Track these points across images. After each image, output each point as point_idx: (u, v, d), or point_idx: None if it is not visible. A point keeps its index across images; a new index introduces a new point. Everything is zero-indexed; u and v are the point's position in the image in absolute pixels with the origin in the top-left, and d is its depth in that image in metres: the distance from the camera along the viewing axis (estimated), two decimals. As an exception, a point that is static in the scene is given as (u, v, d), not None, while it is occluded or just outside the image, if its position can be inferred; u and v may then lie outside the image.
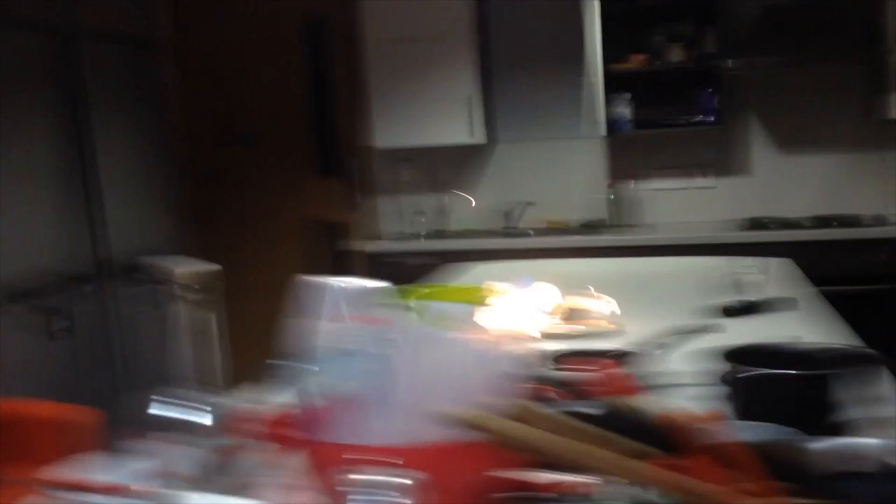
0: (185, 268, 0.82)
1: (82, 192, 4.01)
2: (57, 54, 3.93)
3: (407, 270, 3.98)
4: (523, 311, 2.22)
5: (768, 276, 2.40)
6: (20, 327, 3.62)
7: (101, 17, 4.17)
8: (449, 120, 4.90)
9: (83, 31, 4.02)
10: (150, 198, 4.46)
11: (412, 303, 1.08)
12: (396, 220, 5.32)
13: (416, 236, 5.14)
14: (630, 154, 5.04)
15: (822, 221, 4.60)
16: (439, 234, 5.16)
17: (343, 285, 1.07)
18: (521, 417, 0.80)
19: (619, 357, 1.59)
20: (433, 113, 4.91)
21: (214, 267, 0.81)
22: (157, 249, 4.34)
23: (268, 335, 4.94)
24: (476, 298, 2.06)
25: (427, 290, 2.31)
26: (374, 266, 4.88)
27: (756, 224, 4.69)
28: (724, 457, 0.77)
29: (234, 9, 5.35)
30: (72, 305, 3.87)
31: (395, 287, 1.11)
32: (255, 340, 5.29)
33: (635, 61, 4.76)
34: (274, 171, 5.41)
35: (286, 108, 5.37)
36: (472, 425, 0.77)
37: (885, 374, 1.47)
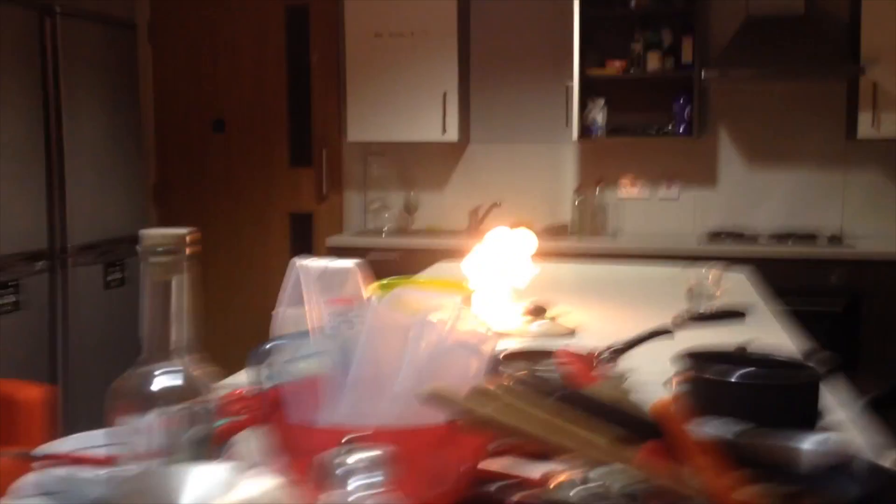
0: (152, 232, 0.83)
1: (46, 169, 3.97)
2: (32, 30, 3.89)
3: (369, 266, 3.95)
4: (497, 297, 2.28)
5: (726, 286, 2.45)
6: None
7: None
8: (423, 117, 4.91)
9: (59, 7, 3.98)
10: (117, 178, 4.42)
11: (387, 289, 1.09)
12: (362, 214, 5.32)
13: (380, 232, 5.14)
14: (601, 160, 5.07)
15: (782, 238, 4.67)
16: (403, 231, 5.16)
17: (314, 264, 1.08)
18: (484, 399, 0.82)
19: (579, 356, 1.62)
20: (408, 109, 4.91)
21: (182, 229, 0.81)
22: (119, 229, 4.31)
23: (229, 317, 4.91)
24: (452, 289, 2.08)
25: (403, 281, 2.32)
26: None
27: (718, 237, 4.75)
28: (682, 444, 0.79)
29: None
30: (26, 281, 3.84)
31: (366, 267, 1.12)
32: (217, 322, 5.28)
33: (613, 67, 4.79)
34: (244, 157, 5.38)
35: (262, 95, 5.35)
36: (448, 403, 0.79)
37: (837, 383, 1.52)
